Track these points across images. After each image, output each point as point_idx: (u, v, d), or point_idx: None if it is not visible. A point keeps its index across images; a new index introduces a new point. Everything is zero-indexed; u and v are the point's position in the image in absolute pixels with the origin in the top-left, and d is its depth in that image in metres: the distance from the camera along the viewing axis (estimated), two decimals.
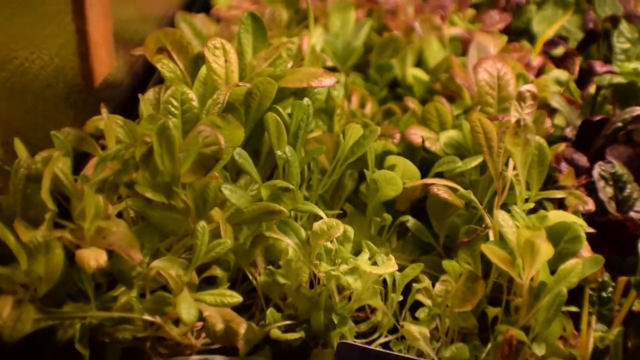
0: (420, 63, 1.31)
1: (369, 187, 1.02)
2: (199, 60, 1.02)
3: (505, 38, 1.36)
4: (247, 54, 1.06)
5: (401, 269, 0.96)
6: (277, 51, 1.04)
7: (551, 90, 1.18)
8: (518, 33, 1.49)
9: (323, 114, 1.07)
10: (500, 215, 0.91)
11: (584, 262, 0.91)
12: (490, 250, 0.86)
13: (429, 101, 1.21)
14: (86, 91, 1.17)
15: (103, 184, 0.86)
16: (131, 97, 1.35)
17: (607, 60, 1.41)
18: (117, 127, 0.90)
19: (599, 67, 1.23)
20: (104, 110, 0.89)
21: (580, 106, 1.28)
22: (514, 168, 0.97)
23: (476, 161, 1.00)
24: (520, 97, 0.99)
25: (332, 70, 1.19)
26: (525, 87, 0.99)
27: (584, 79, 1.40)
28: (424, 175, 1.04)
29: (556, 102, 1.18)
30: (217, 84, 0.98)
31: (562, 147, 1.07)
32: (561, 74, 1.29)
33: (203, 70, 0.99)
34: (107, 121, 0.89)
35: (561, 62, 1.39)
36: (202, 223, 0.85)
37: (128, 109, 1.32)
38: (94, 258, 0.82)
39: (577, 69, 1.39)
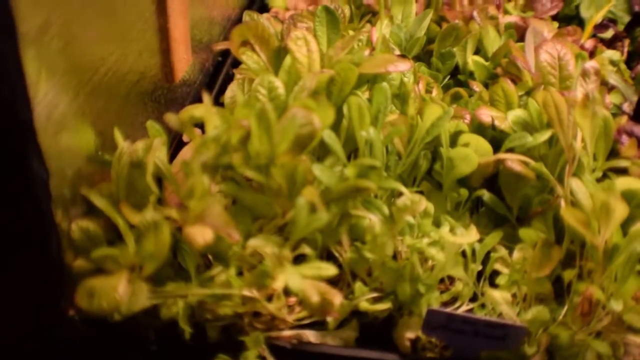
0: (478, 51, 1.38)
1: (444, 165, 1.09)
2: (280, 51, 1.09)
3: (556, 24, 1.42)
4: (323, 44, 1.13)
5: (479, 241, 1.02)
6: (352, 41, 1.11)
7: (608, 69, 1.24)
8: (567, 19, 1.56)
9: (396, 98, 1.14)
10: (574, 182, 0.97)
11: None
12: (570, 212, 0.92)
13: (491, 85, 1.27)
14: (167, 87, 1.23)
15: (204, 166, 0.93)
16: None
17: None
18: (213, 115, 0.98)
19: None
20: (206, 97, 0.96)
21: (632, 85, 1.33)
22: (582, 140, 1.03)
23: (546, 135, 1.06)
24: (585, 73, 1.05)
25: (402, 56, 1.26)
26: (589, 64, 1.06)
27: (632, 60, 1.46)
28: (495, 151, 1.10)
29: (613, 79, 1.24)
30: (301, 72, 1.05)
31: (624, 119, 1.13)
32: (613, 54, 1.35)
33: (287, 59, 1.06)
34: (207, 107, 0.96)
35: (610, 45, 1.45)
36: (302, 198, 0.91)
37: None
38: (201, 235, 0.88)
39: (626, 50, 1.45)
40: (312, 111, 0.93)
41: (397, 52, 1.29)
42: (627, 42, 1.45)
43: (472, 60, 1.32)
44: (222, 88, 1.35)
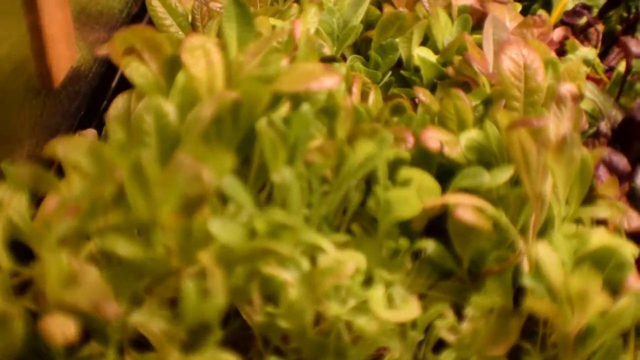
0: (426, 39, 1.15)
1: (379, 204, 0.87)
2: (174, 61, 0.85)
3: (519, 7, 1.20)
4: (231, 47, 0.90)
5: (420, 296, 0.83)
6: (268, 44, 0.87)
7: (582, 77, 1.02)
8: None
9: (323, 115, 0.91)
10: (542, 249, 0.77)
11: (636, 299, 0.77)
12: (538, 304, 0.72)
13: (440, 88, 1.06)
14: (45, 93, 1.00)
15: (64, 239, 0.70)
16: (100, 87, 1.19)
17: (631, 27, 1.26)
18: (80, 155, 0.74)
19: (634, 46, 1.06)
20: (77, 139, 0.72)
21: (607, 87, 1.13)
22: (553, 185, 0.82)
23: (507, 174, 0.85)
24: (560, 100, 0.83)
25: (331, 60, 1.03)
26: (565, 87, 0.84)
27: (606, 49, 1.25)
28: (444, 184, 0.89)
29: (590, 92, 1.02)
30: (198, 92, 0.82)
31: (603, 152, 0.92)
32: (588, 53, 1.13)
33: (181, 77, 0.82)
34: (66, 149, 0.72)
35: (581, 32, 1.23)
36: (189, 283, 0.69)
37: (98, 101, 1.16)
38: (60, 330, 0.67)
39: (599, 38, 1.23)
40: (204, 160, 0.70)
41: (327, 48, 1.05)
42: (600, 28, 1.23)
43: (418, 56, 1.09)
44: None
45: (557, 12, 1.26)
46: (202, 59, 0.82)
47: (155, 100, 0.78)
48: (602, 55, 1.27)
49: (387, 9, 1.16)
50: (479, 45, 1.07)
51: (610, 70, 1.24)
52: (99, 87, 1.19)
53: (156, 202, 0.70)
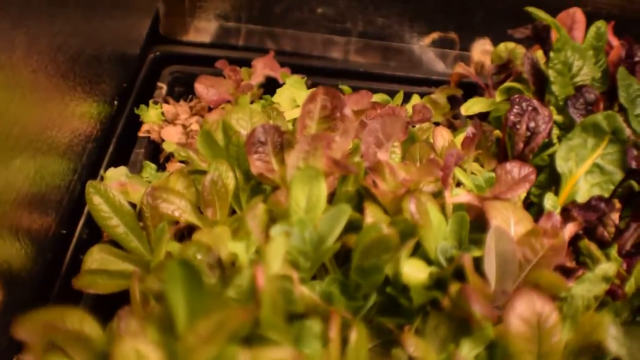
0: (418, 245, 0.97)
1: None
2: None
3: (521, 204, 1.03)
4: (179, 320, 0.72)
5: None
6: (223, 328, 0.69)
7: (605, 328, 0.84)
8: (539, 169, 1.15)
9: None
10: None
11: None
12: None
13: (431, 325, 0.89)
14: None
15: None
16: None
17: None
18: None
19: None
20: None
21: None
22: None
23: None
24: None
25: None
26: None
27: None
28: None
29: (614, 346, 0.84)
30: None
31: None
32: (609, 268, 0.95)
33: None
34: None
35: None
36: None
37: None
38: None
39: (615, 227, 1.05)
40: None
41: (296, 275, 0.87)
42: (616, 217, 1.05)
43: (406, 275, 0.91)
44: None
45: (564, 193, 1.08)
46: None
47: None
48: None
49: (370, 210, 0.98)
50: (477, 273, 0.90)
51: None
52: None
53: None
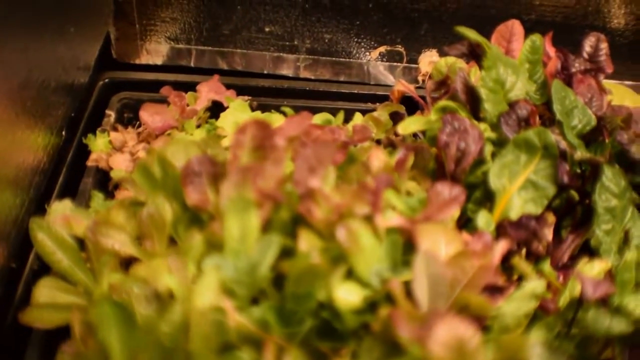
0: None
1: None
2: None
3: (453, 226, 1.05)
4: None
5: None
6: None
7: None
8: (468, 186, 1.18)
9: None
10: None
11: None
12: None
13: (365, 341, 0.91)
14: None
15: None
16: None
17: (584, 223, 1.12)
18: None
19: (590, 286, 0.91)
20: None
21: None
22: None
23: None
24: None
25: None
26: None
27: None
28: None
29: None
30: None
31: None
32: (537, 285, 0.98)
33: None
34: None
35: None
36: None
37: None
38: None
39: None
40: None
41: (231, 305, 0.89)
42: (549, 233, 1.08)
43: (338, 300, 0.94)
44: None
45: (498, 211, 1.11)
46: None
47: None
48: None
49: (304, 236, 1.00)
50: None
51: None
52: None
53: None
